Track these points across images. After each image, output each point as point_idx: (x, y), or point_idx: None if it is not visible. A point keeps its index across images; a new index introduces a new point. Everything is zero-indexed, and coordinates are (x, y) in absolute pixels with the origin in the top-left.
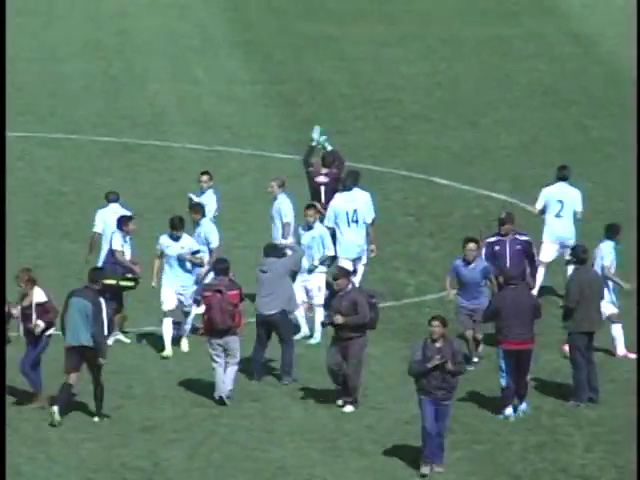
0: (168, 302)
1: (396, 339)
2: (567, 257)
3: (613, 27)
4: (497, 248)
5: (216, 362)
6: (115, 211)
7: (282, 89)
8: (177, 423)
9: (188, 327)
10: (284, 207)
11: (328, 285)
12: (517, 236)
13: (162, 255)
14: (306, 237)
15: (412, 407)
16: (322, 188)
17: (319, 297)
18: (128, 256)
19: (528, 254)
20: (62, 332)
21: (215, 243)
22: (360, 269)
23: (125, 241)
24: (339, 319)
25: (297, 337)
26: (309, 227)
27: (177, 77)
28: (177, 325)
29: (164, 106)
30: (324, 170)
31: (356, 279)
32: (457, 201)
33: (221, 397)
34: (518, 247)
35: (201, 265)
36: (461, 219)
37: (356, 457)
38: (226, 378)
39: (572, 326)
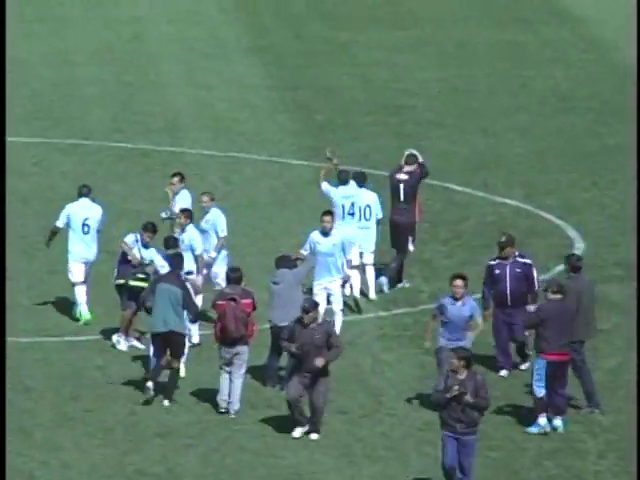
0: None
1: (411, 346)
2: None
3: (628, 33)
4: (497, 272)
5: (225, 370)
6: (85, 205)
7: (296, 95)
8: (191, 429)
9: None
10: (220, 221)
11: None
12: (518, 259)
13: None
14: (325, 245)
15: (426, 414)
16: (401, 185)
17: (339, 303)
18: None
19: (528, 277)
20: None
21: (199, 250)
22: (369, 270)
23: (137, 242)
24: (320, 362)
25: None
26: (325, 234)
27: (191, 83)
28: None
29: (178, 112)
30: (406, 168)
31: (369, 274)
32: (471, 207)
33: (226, 409)
34: (518, 270)
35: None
36: (475, 226)
37: (369, 463)
38: (233, 394)
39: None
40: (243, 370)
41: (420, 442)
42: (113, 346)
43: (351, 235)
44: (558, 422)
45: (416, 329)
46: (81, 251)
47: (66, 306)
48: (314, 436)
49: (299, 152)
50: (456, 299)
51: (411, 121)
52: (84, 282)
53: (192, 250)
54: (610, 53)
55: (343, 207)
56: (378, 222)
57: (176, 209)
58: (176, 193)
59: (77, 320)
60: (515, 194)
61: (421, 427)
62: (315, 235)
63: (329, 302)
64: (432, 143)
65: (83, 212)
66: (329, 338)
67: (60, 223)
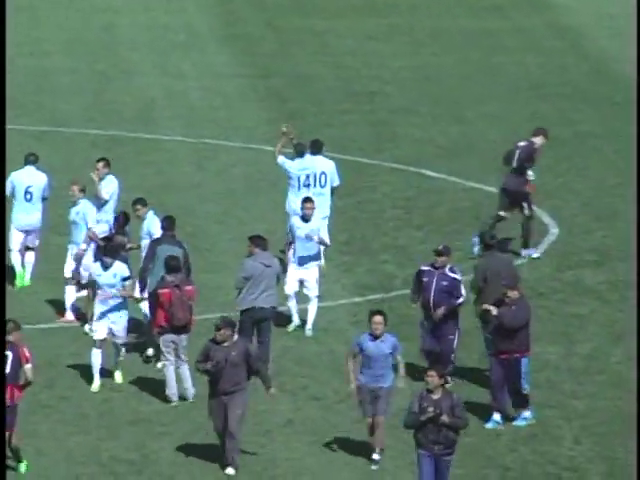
0: (100, 332)
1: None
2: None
3: (600, 21)
4: (425, 279)
5: (168, 360)
6: (29, 173)
7: (269, 83)
8: (165, 416)
9: (121, 359)
10: (90, 212)
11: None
12: (448, 272)
13: (93, 284)
14: (304, 230)
15: (399, 400)
16: (517, 151)
17: (315, 289)
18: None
19: (453, 293)
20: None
21: (157, 235)
22: (325, 232)
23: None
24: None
25: (289, 328)
26: (306, 220)
27: (164, 71)
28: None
29: (151, 100)
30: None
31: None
32: (445, 193)
33: (179, 400)
34: (445, 283)
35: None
36: (449, 211)
37: (344, 450)
38: (186, 381)
39: (480, 310)
40: (186, 357)
41: (394, 427)
42: (86, 334)
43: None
44: (527, 414)
45: (390, 315)
46: (22, 218)
47: (40, 293)
48: (230, 471)
49: (273, 139)
50: (375, 337)
51: (384, 109)
52: (21, 250)
53: (150, 237)
54: (581, 41)
55: (299, 179)
56: (333, 190)
57: (103, 194)
58: (102, 178)
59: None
60: (489, 180)
61: (396, 412)
62: (295, 220)
63: (303, 286)
64: (405, 130)
65: (27, 179)
66: (249, 358)
67: (6, 191)
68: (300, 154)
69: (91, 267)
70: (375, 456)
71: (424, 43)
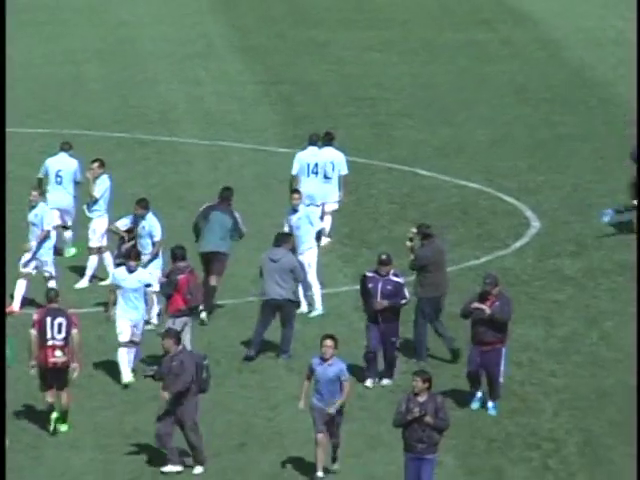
0: (125, 333)
1: None
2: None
3: (576, 34)
4: (370, 285)
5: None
6: (60, 159)
7: (279, 89)
8: None
9: (136, 359)
10: (47, 216)
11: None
12: (392, 277)
13: (117, 288)
14: (293, 219)
15: (398, 378)
16: None
17: (312, 272)
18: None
19: (399, 295)
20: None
21: (158, 236)
22: (328, 218)
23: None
24: (165, 395)
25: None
26: (295, 210)
27: (183, 79)
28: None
29: (172, 105)
30: None
31: (326, 224)
32: (436, 190)
33: None
34: (389, 288)
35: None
36: (440, 207)
37: (346, 422)
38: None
39: (422, 292)
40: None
41: (392, 402)
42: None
43: (314, 192)
44: (492, 404)
45: None
46: (53, 198)
47: (68, 281)
48: (198, 469)
49: (282, 141)
50: (324, 360)
51: (383, 113)
52: (62, 226)
53: (151, 237)
54: (560, 51)
55: (308, 166)
56: (340, 178)
57: (95, 193)
58: (96, 178)
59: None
60: (476, 178)
61: (392, 389)
62: (290, 213)
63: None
64: (401, 132)
65: (58, 164)
66: (198, 369)
67: (40, 174)
68: (313, 143)
69: (115, 272)
70: (319, 474)
71: (418, 53)
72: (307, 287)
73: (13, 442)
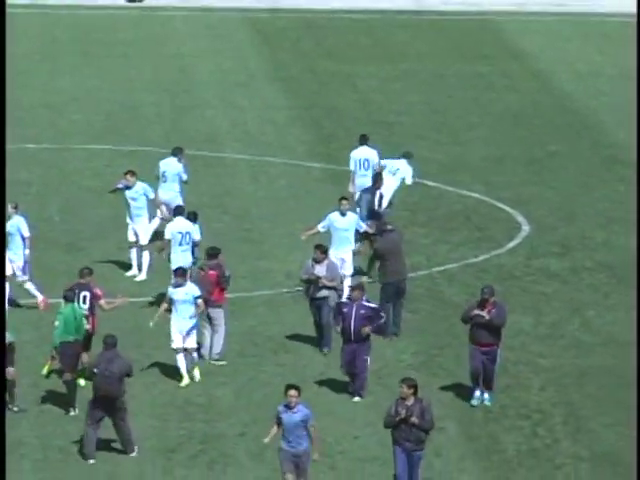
0: (177, 341)
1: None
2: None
3: (563, 66)
4: (345, 310)
5: (206, 327)
6: (167, 161)
7: (309, 114)
8: (226, 370)
9: (196, 362)
10: (22, 226)
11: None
12: (364, 302)
13: (170, 301)
14: (342, 222)
15: (406, 356)
16: None
17: (350, 268)
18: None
19: (372, 318)
20: None
21: (152, 194)
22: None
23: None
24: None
25: None
26: (343, 214)
27: (228, 104)
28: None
29: (218, 127)
30: None
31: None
32: (443, 199)
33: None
34: (362, 312)
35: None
36: (446, 213)
37: (367, 395)
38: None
39: (382, 279)
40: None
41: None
42: None
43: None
44: (487, 396)
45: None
46: (161, 193)
47: (128, 276)
48: (133, 454)
49: (311, 157)
50: (290, 407)
51: (399, 134)
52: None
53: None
54: (549, 82)
55: (357, 162)
56: (375, 171)
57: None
58: (132, 185)
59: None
60: (477, 189)
61: (403, 367)
62: (334, 215)
63: (342, 268)
64: (415, 151)
65: (164, 166)
66: (129, 370)
67: (155, 173)
68: (361, 144)
69: (169, 289)
70: None
71: (429, 83)
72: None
73: (81, 411)
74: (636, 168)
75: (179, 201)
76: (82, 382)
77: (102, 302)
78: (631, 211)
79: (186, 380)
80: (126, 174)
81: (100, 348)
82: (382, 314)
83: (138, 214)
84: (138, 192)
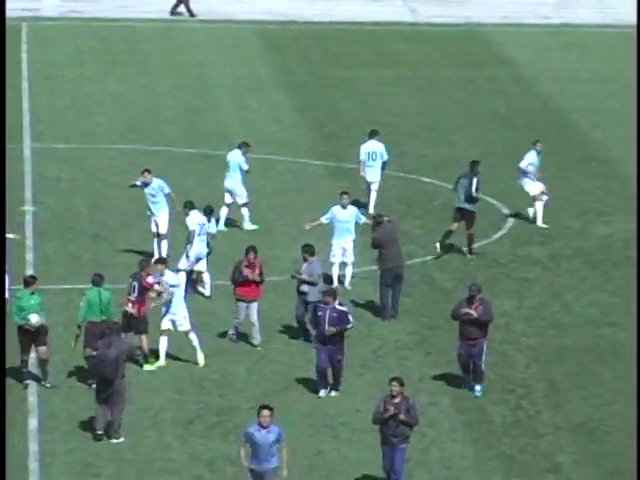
0: (164, 324)
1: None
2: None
3: (545, 72)
4: (320, 314)
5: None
6: (233, 154)
7: (313, 115)
8: (239, 349)
9: (194, 343)
10: (163, 185)
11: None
12: (337, 306)
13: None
14: (343, 214)
15: (402, 336)
16: None
17: (351, 256)
18: None
19: (343, 320)
20: None
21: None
22: (373, 194)
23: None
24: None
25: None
26: (344, 207)
27: (239, 107)
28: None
29: (230, 127)
30: None
31: (372, 197)
32: (436, 194)
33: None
34: (335, 315)
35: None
36: (439, 206)
37: (365, 371)
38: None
39: (381, 266)
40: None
41: (399, 357)
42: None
43: (371, 174)
44: (479, 387)
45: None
46: (225, 182)
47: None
48: (115, 440)
49: (314, 155)
50: (263, 427)
51: (394, 133)
52: (229, 205)
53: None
54: (532, 86)
55: (367, 154)
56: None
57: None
58: (149, 182)
59: None
60: None
61: (400, 347)
62: (335, 208)
63: (344, 256)
64: (409, 149)
65: (229, 156)
66: (125, 354)
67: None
68: (370, 137)
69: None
70: None
71: (423, 88)
72: (342, 266)
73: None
74: (608, 163)
75: (240, 189)
76: (147, 367)
77: (157, 287)
78: (605, 203)
79: (161, 361)
80: (143, 172)
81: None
82: (350, 318)
83: (158, 207)
84: (155, 189)
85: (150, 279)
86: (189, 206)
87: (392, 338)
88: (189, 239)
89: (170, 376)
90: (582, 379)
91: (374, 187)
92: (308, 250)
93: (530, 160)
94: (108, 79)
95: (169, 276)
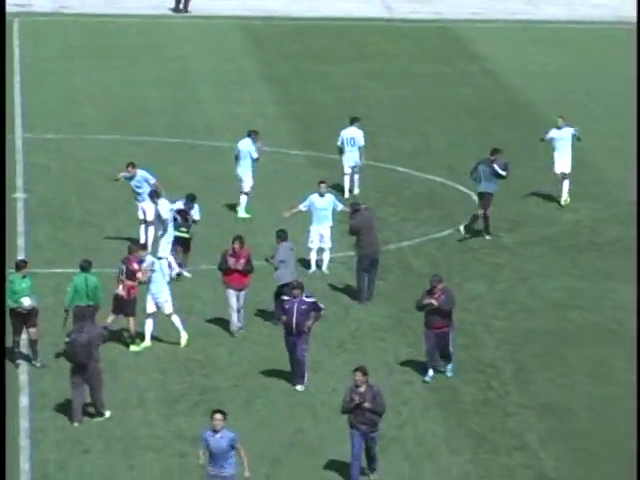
0: (149, 307)
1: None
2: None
3: (512, 67)
4: (287, 306)
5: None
6: (243, 143)
7: (294, 108)
8: (221, 332)
9: (177, 325)
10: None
11: None
12: (304, 298)
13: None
14: (321, 202)
15: (378, 319)
16: None
17: (328, 242)
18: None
19: (310, 310)
20: None
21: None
22: (356, 177)
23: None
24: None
25: (309, 272)
26: (321, 195)
27: (222, 100)
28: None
29: (214, 119)
30: None
31: (354, 180)
32: (409, 182)
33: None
34: (304, 307)
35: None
36: (413, 194)
37: (341, 352)
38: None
39: (359, 251)
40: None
41: (375, 339)
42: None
43: (350, 158)
44: (450, 366)
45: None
46: (237, 170)
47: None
48: (101, 417)
49: (295, 145)
50: (216, 432)
51: (371, 125)
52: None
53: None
54: (500, 79)
55: (346, 140)
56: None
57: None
58: (133, 176)
59: None
60: (439, 173)
61: (376, 329)
62: (313, 196)
63: (321, 242)
64: (384, 139)
65: (240, 145)
66: (97, 340)
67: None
68: (350, 124)
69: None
70: None
71: (397, 81)
72: (320, 251)
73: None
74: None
75: (247, 177)
76: (134, 347)
77: (139, 275)
78: (571, 191)
79: (147, 342)
80: (127, 166)
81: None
82: (321, 306)
83: (143, 197)
84: (139, 180)
85: (136, 264)
86: (156, 196)
87: (368, 320)
88: (164, 227)
89: (155, 357)
90: (549, 360)
91: (356, 170)
92: (279, 235)
93: (552, 135)
94: (96, 73)
95: (150, 261)
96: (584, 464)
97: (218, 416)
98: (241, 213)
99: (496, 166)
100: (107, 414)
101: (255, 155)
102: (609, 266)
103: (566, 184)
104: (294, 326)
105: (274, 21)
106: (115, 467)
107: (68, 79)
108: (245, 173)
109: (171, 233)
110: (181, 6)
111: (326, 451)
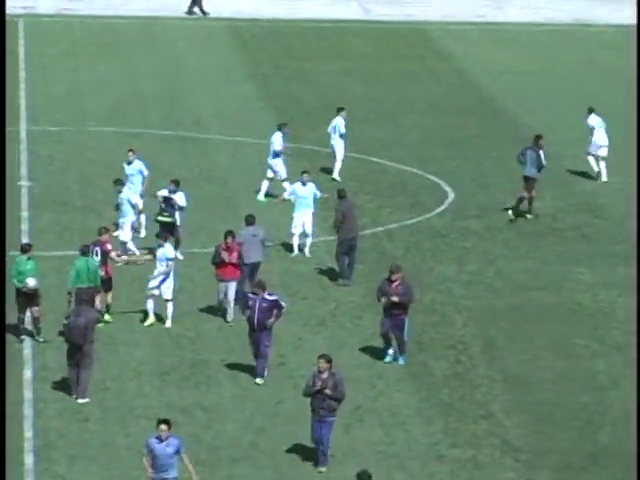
0: (153, 290)
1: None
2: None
3: (480, 66)
4: (250, 303)
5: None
6: (275, 136)
7: (276, 102)
8: (211, 310)
9: (170, 310)
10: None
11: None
12: (267, 296)
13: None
14: (303, 190)
15: (356, 298)
16: None
17: (310, 228)
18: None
19: (273, 308)
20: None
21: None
22: (337, 163)
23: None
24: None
25: (292, 255)
26: (304, 184)
27: (212, 94)
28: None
29: (203, 112)
30: None
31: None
32: (384, 172)
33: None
34: (265, 305)
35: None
36: (388, 184)
37: (322, 330)
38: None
39: (340, 236)
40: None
41: (353, 317)
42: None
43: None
44: (403, 357)
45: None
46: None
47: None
48: (80, 401)
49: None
50: (161, 440)
51: (348, 118)
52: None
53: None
54: (469, 77)
55: (333, 128)
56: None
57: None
58: (131, 161)
59: None
60: (411, 163)
61: (354, 307)
62: (296, 185)
63: (304, 227)
64: (361, 132)
65: (273, 138)
66: (93, 323)
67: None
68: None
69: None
70: None
71: (372, 78)
72: (302, 236)
73: (95, 341)
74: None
75: (281, 167)
76: (107, 317)
77: (112, 255)
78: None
79: (151, 319)
80: (129, 151)
81: (124, 290)
82: (282, 304)
83: (136, 189)
84: (135, 169)
85: (109, 245)
86: (120, 183)
87: (347, 300)
88: (136, 211)
89: (149, 334)
90: (514, 337)
91: (338, 157)
92: (246, 219)
93: (592, 123)
94: (97, 69)
95: (168, 250)
96: (545, 432)
97: (163, 427)
98: (285, 196)
99: (542, 153)
100: (83, 401)
101: (279, 147)
102: (568, 250)
103: (602, 165)
104: (256, 323)
105: (259, 23)
106: (112, 434)
107: (71, 75)
108: (278, 164)
109: (132, 219)
110: (195, 8)
111: (305, 420)
